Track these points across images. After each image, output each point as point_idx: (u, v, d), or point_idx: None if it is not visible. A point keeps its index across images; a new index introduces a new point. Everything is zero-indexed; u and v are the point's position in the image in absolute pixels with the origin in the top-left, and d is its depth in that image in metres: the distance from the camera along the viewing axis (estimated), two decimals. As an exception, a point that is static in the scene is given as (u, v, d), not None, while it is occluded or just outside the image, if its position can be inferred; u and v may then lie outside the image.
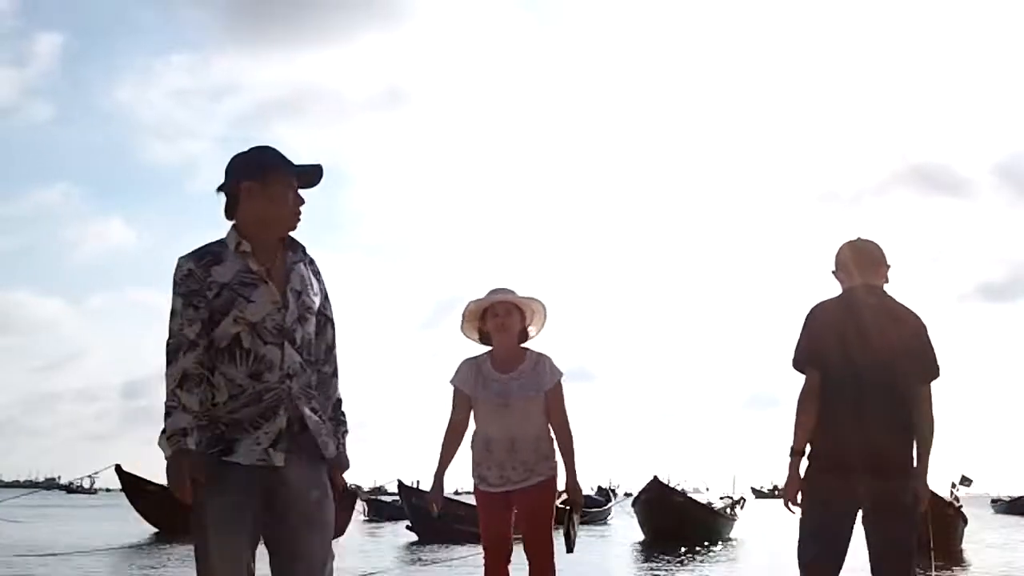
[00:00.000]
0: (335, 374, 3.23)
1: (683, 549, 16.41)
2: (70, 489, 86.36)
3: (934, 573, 10.78)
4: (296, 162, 3.13)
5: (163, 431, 2.94)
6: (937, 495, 16.75)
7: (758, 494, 77.93)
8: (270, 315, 3.01)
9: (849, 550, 3.99)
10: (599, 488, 40.93)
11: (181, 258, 3.03)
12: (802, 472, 4.01)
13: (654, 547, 17.53)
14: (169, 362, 2.99)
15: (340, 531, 5.23)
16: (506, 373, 4.83)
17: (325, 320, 3.21)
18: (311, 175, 3.15)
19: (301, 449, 3.03)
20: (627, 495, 35.04)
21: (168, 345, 3.01)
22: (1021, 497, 51.41)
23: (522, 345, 4.95)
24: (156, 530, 20.25)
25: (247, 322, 2.99)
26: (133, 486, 21.66)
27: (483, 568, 4.89)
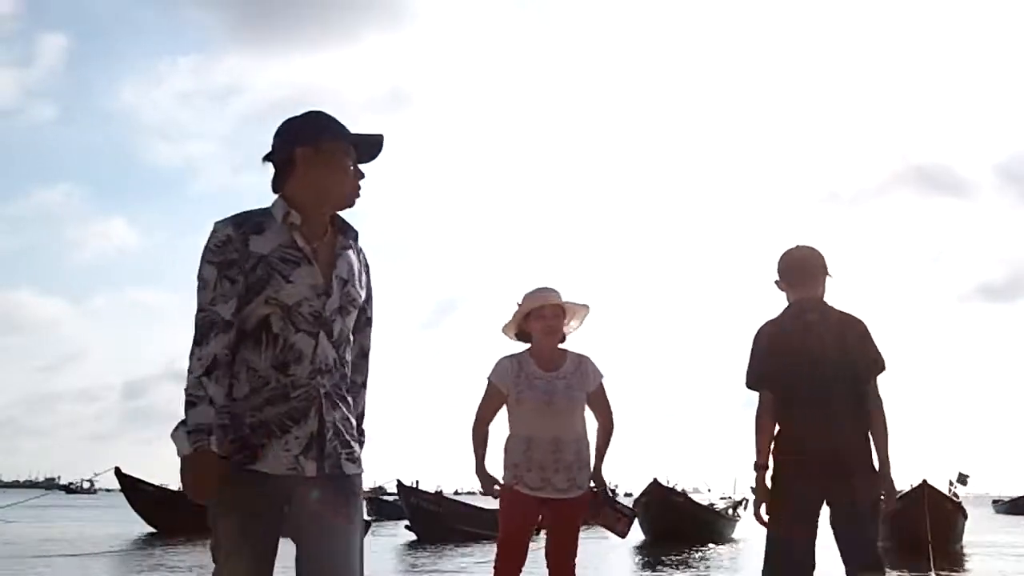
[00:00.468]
0: (364, 385, 2.90)
1: (684, 549, 16.39)
2: (69, 489, 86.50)
3: (933, 574, 10.74)
4: None
5: (181, 423, 2.53)
6: (936, 489, 16.75)
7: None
8: (308, 300, 2.62)
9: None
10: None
11: (218, 223, 2.63)
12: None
13: (655, 548, 17.51)
14: (198, 342, 2.56)
15: None
16: (549, 372, 4.75)
17: (366, 321, 2.86)
18: (371, 146, 2.77)
19: (329, 458, 2.65)
20: (627, 495, 35.08)
21: (199, 321, 2.58)
22: (1022, 497, 51.40)
23: (560, 346, 4.87)
24: (154, 531, 20.26)
25: (280, 304, 2.59)
26: (132, 488, 21.70)
27: (493, 571, 4.74)
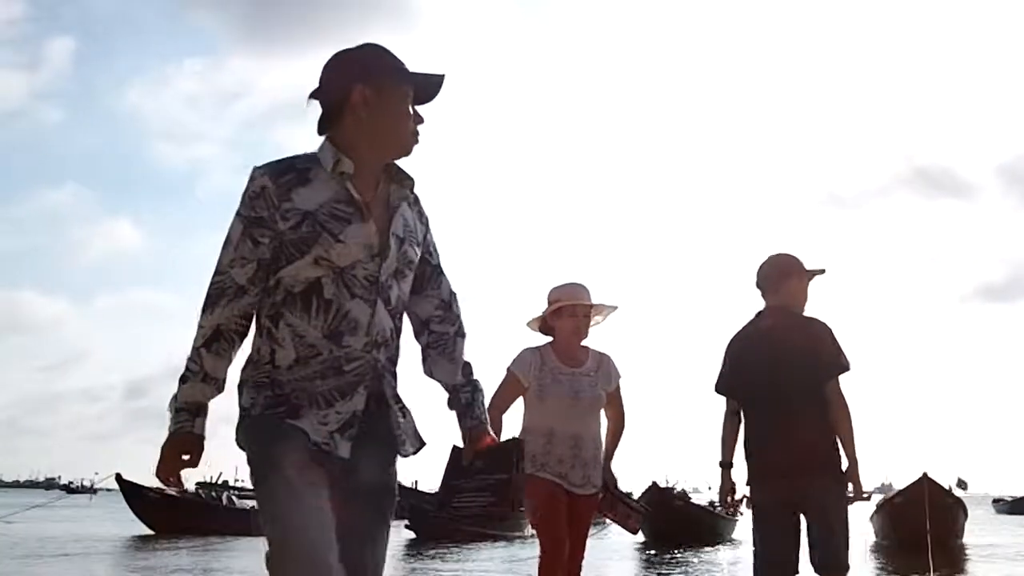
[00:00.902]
0: (461, 335, 2.55)
1: (684, 550, 16.39)
2: (70, 489, 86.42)
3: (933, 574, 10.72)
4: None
5: (173, 398, 2.31)
6: (938, 484, 16.68)
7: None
8: (363, 263, 2.30)
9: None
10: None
11: (256, 169, 2.30)
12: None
13: (655, 549, 17.50)
14: (205, 308, 2.31)
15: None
16: (573, 369, 4.66)
17: (433, 271, 2.52)
18: (430, 86, 2.41)
19: (374, 436, 2.35)
20: (628, 495, 34.98)
21: (211, 285, 2.31)
22: (1023, 497, 51.35)
23: (582, 343, 4.77)
24: (153, 533, 20.27)
25: (332, 266, 2.27)
26: (133, 494, 21.77)
27: (540, 563, 4.51)
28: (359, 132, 2.35)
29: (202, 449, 2.31)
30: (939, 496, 16.08)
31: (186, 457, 2.29)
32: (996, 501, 58.94)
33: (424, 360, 2.56)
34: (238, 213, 2.30)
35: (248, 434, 2.31)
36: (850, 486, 4.19)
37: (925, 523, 10.58)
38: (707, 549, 17.60)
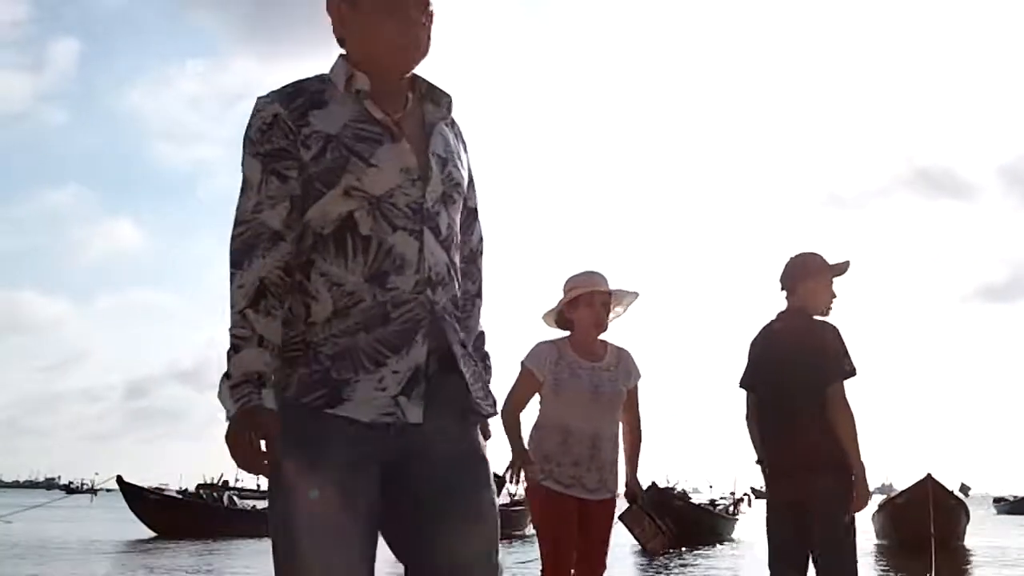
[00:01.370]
0: (479, 296, 2.19)
1: (684, 550, 16.37)
2: (70, 489, 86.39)
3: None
4: None
5: (224, 376, 1.89)
6: (941, 485, 16.69)
7: (758, 494, 77.85)
8: (402, 188, 1.94)
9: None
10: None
11: (261, 99, 1.97)
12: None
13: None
14: (237, 264, 1.90)
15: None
16: (591, 363, 4.38)
17: (470, 214, 2.16)
18: None
19: (445, 400, 1.95)
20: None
21: (237, 237, 1.92)
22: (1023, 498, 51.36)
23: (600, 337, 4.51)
24: (155, 534, 20.27)
25: (366, 195, 1.91)
26: (134, 496, 21.78)
27: None
28: (367, 39, 2.02)
29: (278, 425, 1.84)
30: (942, 498, 16.08)
31: (262, 436, 1.84)
32: (997, 501, 58.94)
33: None
34: (249, 153, 1.95)
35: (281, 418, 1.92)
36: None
37: (928, 524, 10.55)
38: (707, 550, 17.57)
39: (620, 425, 4.46)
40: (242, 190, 1.95)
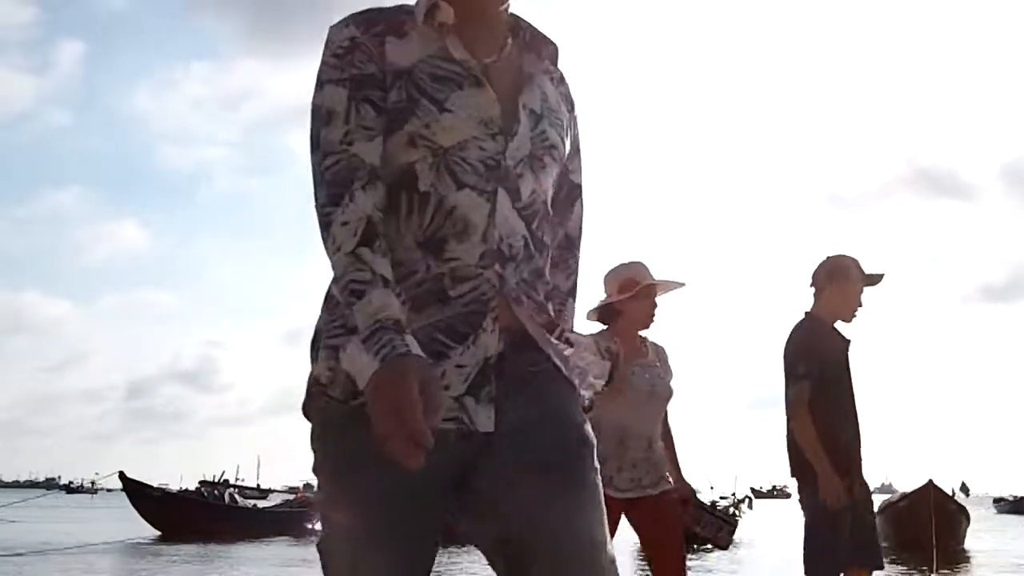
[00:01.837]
0: (573, 295, 1.82)
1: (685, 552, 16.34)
2: (70, 489, 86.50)
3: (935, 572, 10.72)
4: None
5: (349, 332, 1.48)
6: (940, 488, 16.78)
7: (757, 494, 78.20)
8: (478, 140, 1.59)
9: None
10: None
11: (334, 26, 1.63)
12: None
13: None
14: (335, 200, 1.51)
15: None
16: (637, 360, 4.20)
17: (571, 190, 1.79)
18: None
19: (525, 399, 1.58)
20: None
21: (328, 170, 1.53)
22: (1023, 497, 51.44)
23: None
24: (159, 533, 20.28)
25: (432, 145, 1.57)
26: (136, 492, 21.79)
27: None
28: None
29: (436, 377, 1.42)
30: (943, 503, 16.22)
31: (430, 389, 1.37)
32: (997, 501, 59.03)
33: None
34: (328, 80, 1.59)
35: (321, 434, 1.61)
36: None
37: (928, 528, 10.60)
38: (708, 550, 17.55)
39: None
40: (322, 124, 1.57)
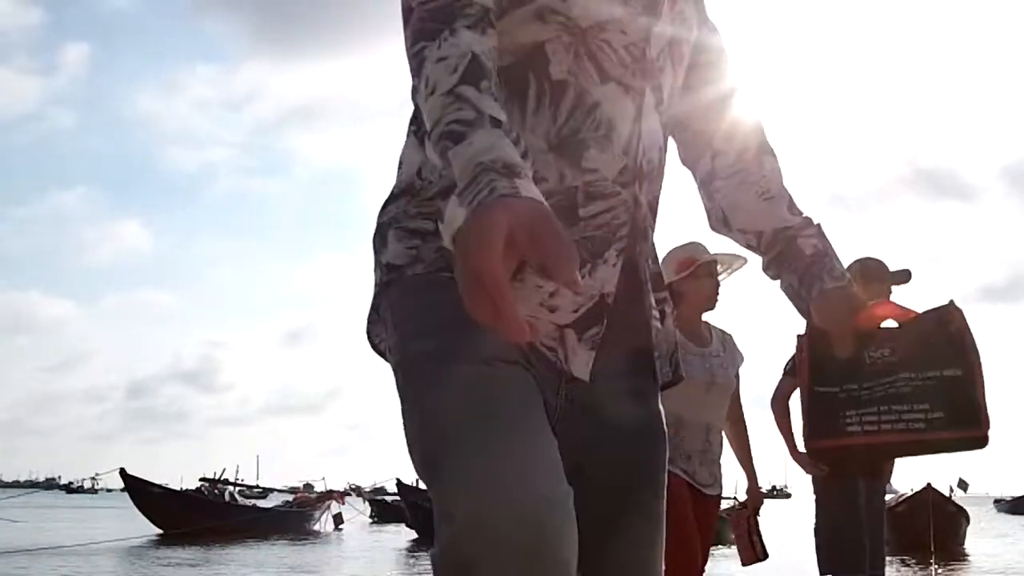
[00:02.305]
0: (775, 161, 1.49)
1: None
2: (70, 489, 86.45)
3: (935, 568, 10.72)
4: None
5: (444, 193, 1.20)
6: (938, 491, 16.79)
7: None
8: (620, 23, 1.27)
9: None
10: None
11: None
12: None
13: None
14: (429, 34, 1.14)
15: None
16: (701, 348, 3.94)
17: (716, 56, 1.46)
18: None
19: (622, 342, 1.32)
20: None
21: (424, 7, 1.16)
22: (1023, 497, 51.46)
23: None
24: (160, 531, 20.27)
25: (568, 23, 1.25)
26: (137, 489, 21.77)
27: None
28: None
29: (549, 217, 0.99)
30: (942, 505, 16.26)
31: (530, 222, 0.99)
32: (997, 501, 59.12)
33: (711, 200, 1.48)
34: None
35: (400, 303, 1.25)
36: None
37: (928, 531, 10.62)
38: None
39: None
40: None
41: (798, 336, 1.57)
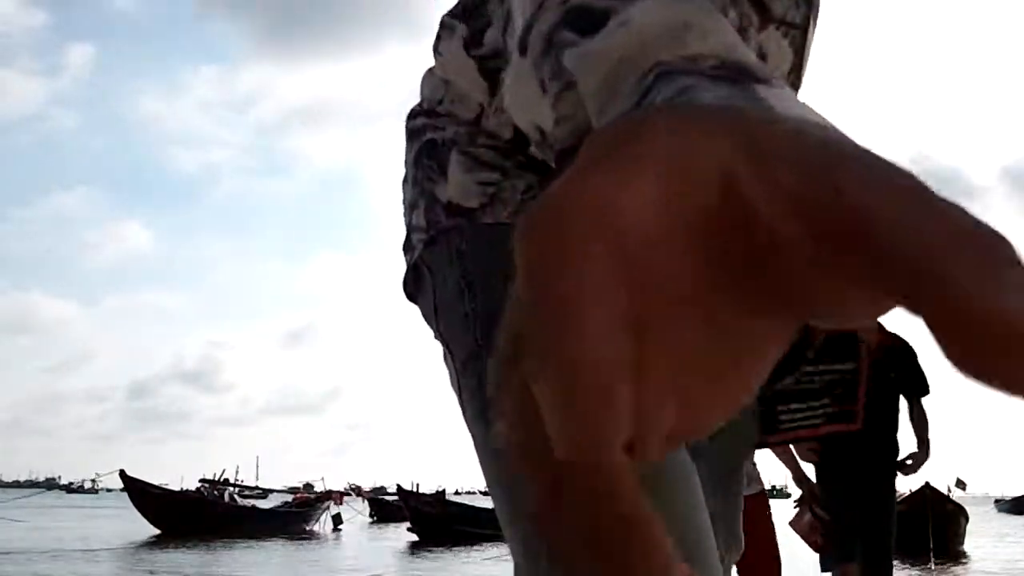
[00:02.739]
0: None
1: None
2: (70, 489, 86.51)
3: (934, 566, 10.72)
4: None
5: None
6: (936, 490, 16.82)
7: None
8: None
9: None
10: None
11: None
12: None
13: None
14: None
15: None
16: None
17: None
18: None
19: None
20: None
21: None
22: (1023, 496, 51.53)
23: None
24: (159, 532, 20.30)
25: None
26: (137, 491, 21.80)
27: None
28: None
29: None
30: (941, 506, 16.28)
31: None
32: (998, 501, 59.24)
33: None
34: None
35: (473, 268, 0.95)
36: None
37: (927, 532, 10.63)
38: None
39: None
40: None
41: None
